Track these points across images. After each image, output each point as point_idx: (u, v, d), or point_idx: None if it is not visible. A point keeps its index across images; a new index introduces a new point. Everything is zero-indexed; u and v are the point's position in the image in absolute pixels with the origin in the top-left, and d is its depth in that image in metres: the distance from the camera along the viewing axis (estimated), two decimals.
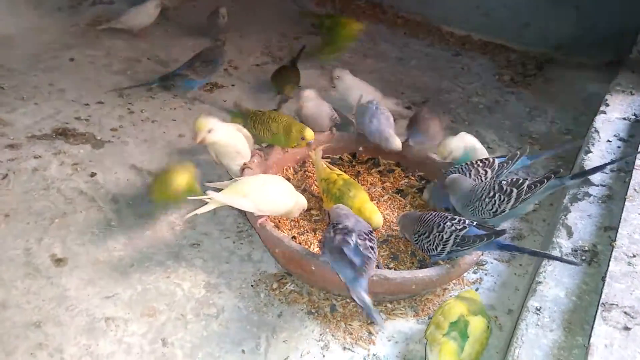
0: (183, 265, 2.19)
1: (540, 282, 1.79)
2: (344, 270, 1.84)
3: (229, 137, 2.40)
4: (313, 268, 1.95)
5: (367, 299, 1.78)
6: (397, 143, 2.59)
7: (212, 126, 2.33)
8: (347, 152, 2.80)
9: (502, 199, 2.03)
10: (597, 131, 2.64)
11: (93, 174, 2.60)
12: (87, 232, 2.28)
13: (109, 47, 3.81)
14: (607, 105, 2.92)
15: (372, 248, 1.89)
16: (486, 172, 2.29)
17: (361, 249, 1.84)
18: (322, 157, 2.67)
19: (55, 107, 3.07)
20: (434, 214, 2.10)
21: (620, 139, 2.59)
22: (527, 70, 4.28)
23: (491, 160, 2.35)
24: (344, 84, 3.20)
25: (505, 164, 2.32)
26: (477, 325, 1.74)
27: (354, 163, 2.75)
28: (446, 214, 2.08)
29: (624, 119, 2.81)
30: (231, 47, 4.02)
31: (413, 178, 2.69)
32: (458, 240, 1.96)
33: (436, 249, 2.02)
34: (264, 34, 4.34)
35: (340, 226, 1.94)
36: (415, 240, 2.14)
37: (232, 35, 4.02)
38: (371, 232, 1.97)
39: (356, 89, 3.12)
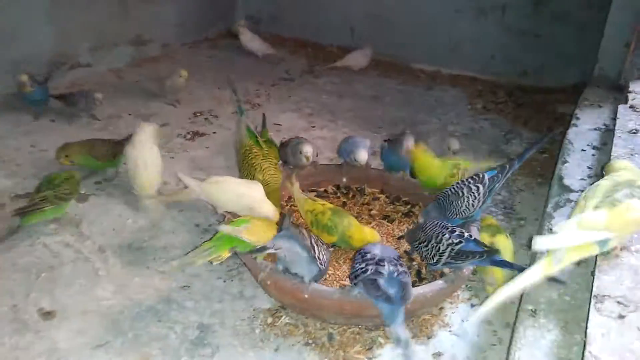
0: (174, 308, 2.15)
1: None
2: (379, 304, 1.80)
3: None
4: (306, 296, 1.93)
5: (404, 335, 1.75)
6: (363, 156, 2.65)
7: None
8: (332, 184, 2.83)
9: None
10: (571, 142, 2.72)
11: (78, 226, 2.58)
12: (74, 283, 2.24)
13: None
14: (578, 118, 3.02)
15: (405, 273, 1.86)
16: (478, 188, 2.24)
17: (395, 276, 1.82)
18: (309, 191, 2.70)
19: (38, 166, 3.07)
20: (437, 223, 2.13)
21: (594, 147, 2.67)
22: (497, 97, 4.42)
23: (481, 175, 2.28)
24: (246, 38, 4.97)
25: (495, 178, 2.26)
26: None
27: (338, 194, 2.78)
28: (448, 225, 2.10)
29: (595, 129, 2.91)
30: (210, 98, 4.11)
31: (398, 204, 2.72)
32: (453, 254, 2.00)
33: (433, 259, 2.06)
34: (242, 83, 4.45)
35: (368, 255, 1.90)
36: (416, 247, 2.17)
37: (210, 86, 4.11)
38: (399, 257, 1.95)
39: (255, 41, 4.97)
